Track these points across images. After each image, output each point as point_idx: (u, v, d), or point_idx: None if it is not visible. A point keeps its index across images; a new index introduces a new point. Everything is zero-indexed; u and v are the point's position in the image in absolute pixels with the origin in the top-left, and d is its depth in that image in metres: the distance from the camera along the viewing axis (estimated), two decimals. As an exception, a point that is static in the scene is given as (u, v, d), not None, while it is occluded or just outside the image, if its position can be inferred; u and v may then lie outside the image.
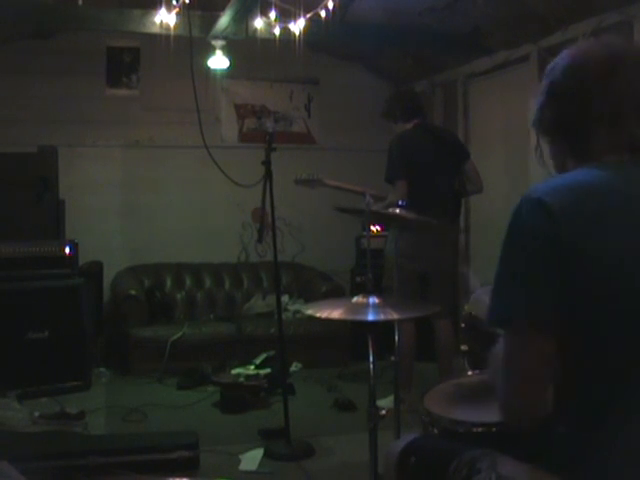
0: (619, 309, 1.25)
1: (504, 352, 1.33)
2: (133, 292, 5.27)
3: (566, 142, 1.44)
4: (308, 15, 4.05)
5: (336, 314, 2.36)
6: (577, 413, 1.26)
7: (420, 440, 1.71)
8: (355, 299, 2.44)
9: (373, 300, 2.38)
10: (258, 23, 4.34)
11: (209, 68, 5.01)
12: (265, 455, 3.52)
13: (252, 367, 4.73)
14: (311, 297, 5.46)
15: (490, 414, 1.78)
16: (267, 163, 3.59)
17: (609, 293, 1.25)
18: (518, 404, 1.31)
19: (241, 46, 4.92)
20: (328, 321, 2.40)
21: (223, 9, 4.24)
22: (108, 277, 5.53)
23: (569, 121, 1.41)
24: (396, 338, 2.99)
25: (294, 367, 5.10)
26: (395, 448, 1.67)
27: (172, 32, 4.22)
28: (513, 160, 4.94)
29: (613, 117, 1.37)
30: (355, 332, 5.14)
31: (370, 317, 2.30)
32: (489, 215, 5.25)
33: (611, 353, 1.26)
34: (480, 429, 1.72)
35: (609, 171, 1.34)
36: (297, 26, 4.17)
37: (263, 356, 4.86)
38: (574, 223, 1.26)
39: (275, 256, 3.73)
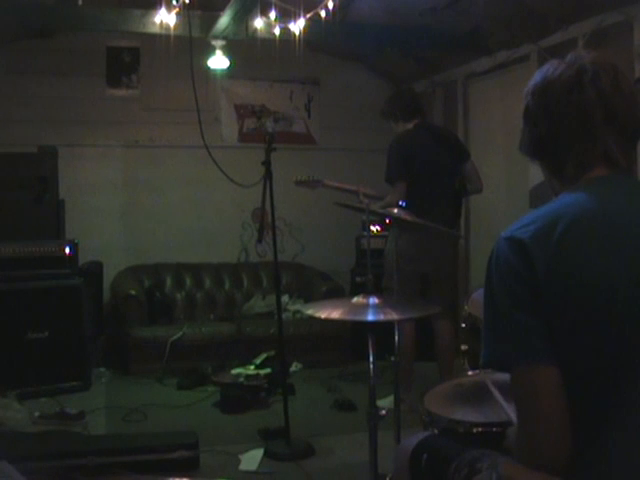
0: (598, 329, 1.24)
1: (515, 397, 1.33)
2: (133, 292, 5.27)
3: (546, 163, 1.46)
4: (308, 15, 4.06)
5: (336, 314, 2.35)
6: (576, 413, 1.26)
7: (432, 438, 1.72)
8: (355, 299, 2.44)
9: (373, 300, 2.38)
10: (258, 23, 4.34)
11: (209, 68, 5.01)
12: (265, 455, 3.52)
13: (252, 367, 4.73)
14: (311, 297, 5.46)
15: (490, 414, 1.78)
16: (267, 163, 3.59)
17: (586, 316, 1.25)
18: (542, 444, 1.27)
19: (241, 46, 4.92)
20: (328, 321, 2.39)
21: (223, 9, 4.24)
22: (108, 277, 5.52)
23: (544, 141, 1.42)
24: (396, 338, 3.00)
25: (294, 367, 5.11)
26: (408, 445, 1.67)
27: (172, 32, 4.22)
28: (513, 160, 4.93)
29: (585, 132, 1.36)
30: (355, 332, 5.15)
31: (370, 317, 2.30)
32: (489, 215, 5.25)
33: (600, 358, 1.25)
34: (480, 429, 1.72)
35: (580, 193, 1.34)
36: (297, 26, 4.17)
37: (263, 356, 4.86)
38: (540, 254, 1.27)
39: (275, 256, 3.74)
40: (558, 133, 1.39)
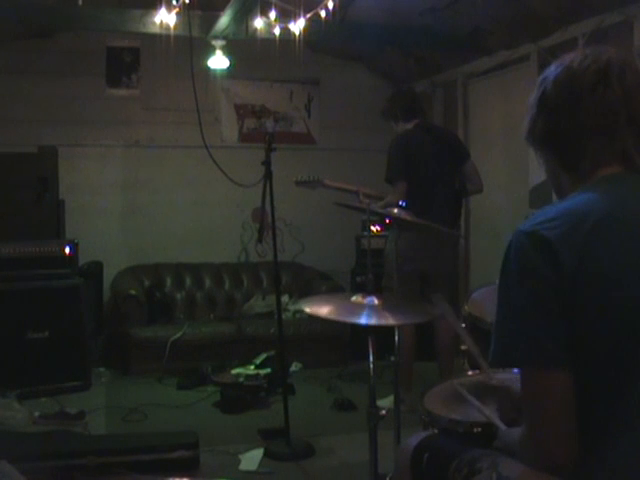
0: (620, 328, 1.23)
1: (523, 397, 1.31)
2: (133, 292, 5.27)
3: (558, 155, 1.41)
4: (308, 15, 4.05)
5: (327, 312, 2.34)
6: (586, 415, 1.25)
7: (433, 438, 1.72)
8: (354, 298, 2.44)
9: (371, 301, 2.37)
10: (258, 23, 4.33)
11: (209, 68, 5.01)
12: (265, 455, 3.52)
13: (252, 367, 4.73)
14: (311, 297, 5.45)
15: (489, 414, 1.78)
16: (267, 163, 3.59)
17: (611, 316, 1.23)
18: (548, 447, 1.25)
19: (241, 46, 4.92)
20: (328, 321, 2.39)
21: (223, 9, 4.24)
22: (108, 277, 5.52)
23: (561, 133, 1.37)
24: (396, 338, 2.99)
25: (294, 367, 5.10)
26: (409, 444, 1.67)
27: (172, 32, 4.21)
28: (513, 160, 4.94)
29: (606, 128, 1.33)
30: (355, 332, 5.15)
31: (363, 320, 2.29)
32: (489, 215, 5.25)
33: (617, 359, 1.24)
34: (480, 429, 1.72)
35: (601, 191, 1.32)
36: (297, 26, 4.16)
37: (263, 356, 4.86)
38: (568, 252, 1.23)
39: (275, 256, 3.73)
40: (580, 126, 1.34)
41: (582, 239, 1.24)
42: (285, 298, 5.67)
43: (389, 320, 2.35)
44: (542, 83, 1.41)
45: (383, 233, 4.97)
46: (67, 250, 4.73)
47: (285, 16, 4.20)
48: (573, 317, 1.23)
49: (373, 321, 2.29)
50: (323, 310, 2.35)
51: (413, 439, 1.70)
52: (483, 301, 2.40)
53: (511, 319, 1.29)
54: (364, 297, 2.40)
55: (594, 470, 1.25)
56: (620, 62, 1.35)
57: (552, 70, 1.40)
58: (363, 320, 2.28)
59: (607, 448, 1.25)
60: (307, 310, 2.34)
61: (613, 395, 1.25)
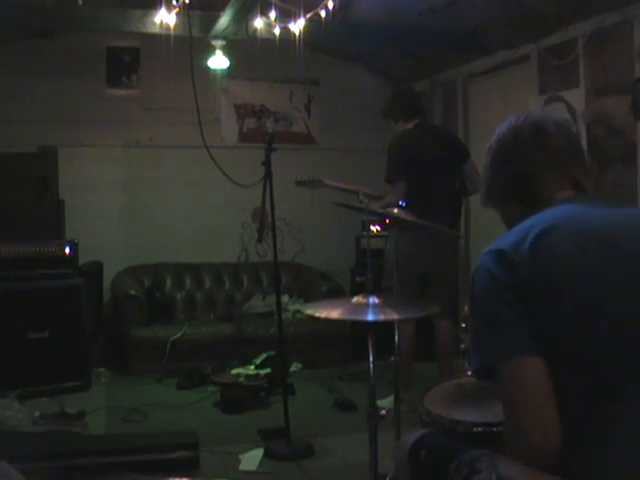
0: (580, 328, 1.30)
1: (501, 390, 1.37)
2: (133, 292, 5.27)
3: (518, 199, 1.58)
4: (308, 15, 4.05)
5: (336, 314, 2.36)
6: (565, 410, 1.28)
7: (430, 435, 1.73)
8: (355, 299, 2.44)
9: (373, 300, 2.38)
10: (258, 23, 4.33)
11: (209, 68, 5.01)
12: (265, 455, 3.52)
13: (252, 367, 4.73)
14: (311, 297, 5.46)
15: (490, 414, 1.78)
16: (267, 163, 3.59)
17: (569, 316, 1.31)
18: (528, 432, 1.30)
19: (241, 46, 4.92)
20: (328, 321, 2.40)
21: (223, 9, 4.24)
22: (108, 277, 5.52)
23: (517, 178, 1.57)
24: (396, 338, 3.00)
25: (294, 367, 5.10)
26: (406, 442, 1.68)
27: (172, 32, 4.21)
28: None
29: (555, 166, 1.54)
30: (355, 332, 5.15)
31: (370, 317, 2.30)
32: (489, 215, 5.25)
33: (584, 363, 1.29)
34: (480, 429, 1.72)
35: (554, 208, 1.47)
36: (297, 26, 4.17)
37: (263, 356, 4.86)
38: (520, 258, 1.35)
39: (275, 256, 3.74)
40: (532, 169, 1.54)
41: (530, 245, 1.36)
42: (285, 298, 5.68)
43: (392, 316, 2.37)
44: (489, 150, 1.63)
45: (383, 233, 4.98)
46: (67, 250, 4.73)
47: (285, 16, 4.20)
48: (538, 317, 1.32)
49: (378, 317, 2.30)
50: (334, 313, 2.36)
51: (410, 436, 1.71)
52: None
53: (482, 329, 1.41)
54: (364, 297, 2.41)
55: (581, 469, 1.27)
56: (551, 118, 1.60)
57: (495, 135, 1.62)
58: (369, 317, 2.30)
59: (591, 446, 1.27)
60: (317, 315, 2.35)
61: (591, 391, 1.29)
